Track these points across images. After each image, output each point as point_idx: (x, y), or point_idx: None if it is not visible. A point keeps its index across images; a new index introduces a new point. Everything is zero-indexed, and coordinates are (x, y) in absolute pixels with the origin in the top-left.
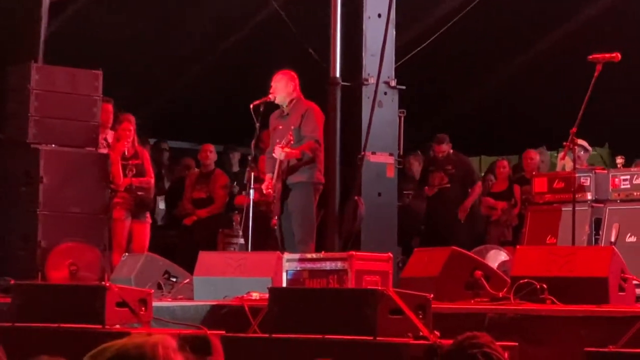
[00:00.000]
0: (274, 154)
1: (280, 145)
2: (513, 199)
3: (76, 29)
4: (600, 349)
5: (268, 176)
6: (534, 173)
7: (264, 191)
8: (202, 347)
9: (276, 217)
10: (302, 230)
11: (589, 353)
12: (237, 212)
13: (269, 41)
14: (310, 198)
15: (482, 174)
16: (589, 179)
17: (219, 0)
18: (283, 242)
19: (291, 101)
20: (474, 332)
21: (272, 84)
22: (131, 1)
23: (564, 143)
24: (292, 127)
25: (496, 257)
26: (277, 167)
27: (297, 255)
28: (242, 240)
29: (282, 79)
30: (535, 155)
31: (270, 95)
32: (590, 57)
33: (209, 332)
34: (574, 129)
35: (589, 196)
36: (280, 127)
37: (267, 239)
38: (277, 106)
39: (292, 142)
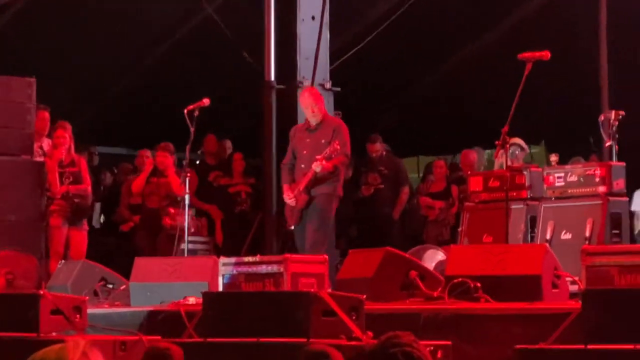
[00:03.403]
0: (313, 166)
1: (319, 158)
2: (451, 198)
3: (9, 37)
4: (530, 346)
5: (286, 186)
6: (469, 172)
7: (286, 200)
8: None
9: (292, 226)
10: (317, 234)
11: (519, 350)
12: None
13: (204, 45)
14: (331, 207)
15: (421, 174)
16: (523, 177)
17: (153, 6)
18: (297, 251)
19: (321, 117)
20: (397, 331)
21: (306, 101)
22: (64, 8)
23: (496, 142)
24: (323, 141)
25: (433, 257)
26: (307, 178)
27: (233, 259)
28: (182, 245)
29: (314, 96)
30: (472, 155)
31: (204, 101)
32: (520, 55)
33: (144, 337)
34: (506, 128)
35: (524, 194)
36: (308, 140)
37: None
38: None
39: (332, 156)
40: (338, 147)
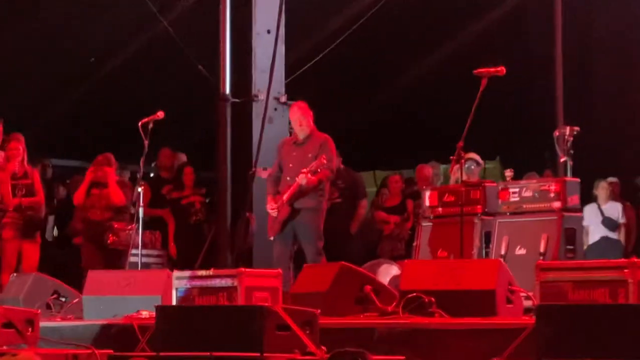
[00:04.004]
0: (297, 179)
1: (305, 171)
2: (406, 212)
3: None
4: None
5: (270, 197)
6: (424, 187)
7: (269, 211)
8: None
9: (272, 237)
10: (315, 249)
11: None
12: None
13: (159, 58)
14: (320, 222)
15: (377, 188)
16: (478, 192)
17: (107, 17)
18: (279, 260)
19: (309, 131)
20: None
21: (295, 115)
22: (18, 19)
23: (451, 157)
24: (310, 155)
25: (388, 272)
26: (291, 191)
27: (186, 273)
28: (133, 258)
29: (302, 110)
30: (428, 169)
31: (159, 114)
32: (476, 71)
33: (97, 351)
34: (461, 143)
35: (479, 209)
36: (295, 153)
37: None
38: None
39: (318, 170)
40: (325, 161)
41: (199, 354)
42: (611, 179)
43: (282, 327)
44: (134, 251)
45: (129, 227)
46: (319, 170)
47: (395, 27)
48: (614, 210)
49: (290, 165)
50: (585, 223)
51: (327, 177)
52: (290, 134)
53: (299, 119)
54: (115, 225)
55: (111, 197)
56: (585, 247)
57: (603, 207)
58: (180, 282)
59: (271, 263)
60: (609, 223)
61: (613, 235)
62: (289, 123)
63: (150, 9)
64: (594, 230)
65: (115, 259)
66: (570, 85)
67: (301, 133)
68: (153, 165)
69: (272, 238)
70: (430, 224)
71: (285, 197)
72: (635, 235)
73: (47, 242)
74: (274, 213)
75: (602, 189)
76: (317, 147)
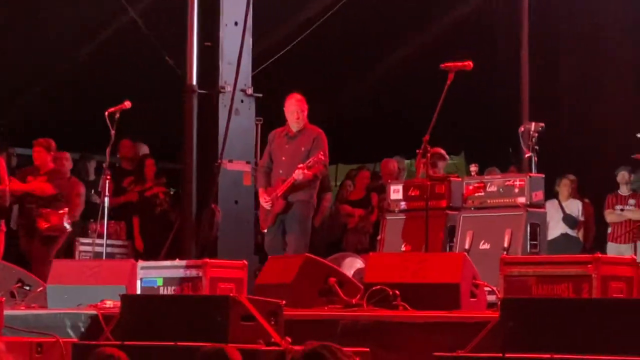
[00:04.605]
0: (294, 175)
1: (302, 167)
2: (370, 206)
3: None
4: (448, 354)
5: (262, 190)
6: (389, 181)
7: (262, 203)
8: None
9: (265, 229)
10: (299, 241)
11: (437, 358)
12: (92, 220)
13: (126, 48)
14: (309, 214)
15: (339, 182)
16: (444, 186)
17: (75, 7)
18: (272, 253)
19: (303, 125)
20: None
21: (293, 107)
22: None
23: (417, 151)
24: (302, 149)
25: (352, 265)
26: (286, 185)
27: (151, 263)
28: (98, 248)
29: (301, 103)
30: (393, 163)
31: (125, 103)
32: (443, 65)
33: (61, 339)
34: (427, 137)
35: (444, 204)
36: (287, 146)
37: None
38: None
39: (313, 165)
40: (322, 158)
41: (163, 344)
42: (570, 176)
43: (247, 318)
44: (98, 241)
45: (60, 211)
46: (314, 165)
47: (362, 21)
48: (575, 207)
49: (283, 158)
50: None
51: (321, 172)
52: (257, 126)
53: (296, 111)
54: (43, 211)
55: (41, 186)
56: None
57: (564, 203)
58: (145, 272)
59: (235, 254)
60: (569, 220)
61: (572, 232)
62: (255, 115)
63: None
64: (554, 226)
65: (44, 248)
66: (536, 82)
67: (295, 125)
68: (118, 156)
69: (265, 231)
70: (395, 217)
71: (279, 191)
72: (594, 233)
73: (11, 231)
74: (267, 206)
75: (564, 185)
76: (311, 141)
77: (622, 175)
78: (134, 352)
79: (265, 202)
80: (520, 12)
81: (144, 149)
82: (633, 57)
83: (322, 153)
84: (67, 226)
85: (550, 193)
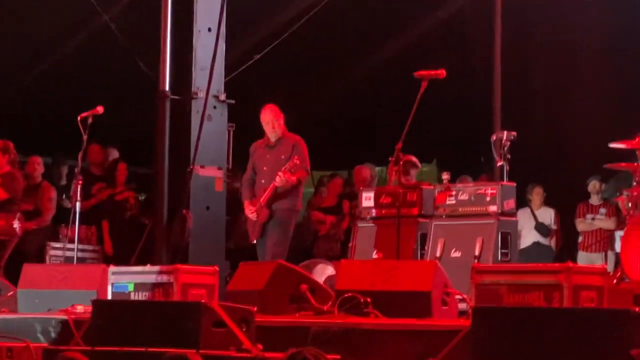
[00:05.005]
0: (276, 182)
1: (283, 171)
2: (342, 213)
3: None
4: None
5: (247, 202)
6: (361, 188)
7: (248, 215)
8: None
9: (254, 240)
10: (278, 248)
11: None
12: (63, 225)
13: (99, 53)
14: (291, 221)
15: (310, 189)
16: (415, 194)
17: (48, 11)
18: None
19: (281, 133)
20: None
21: (267, 117)
22: None
23: (390, 158)
24: (283, 157)
25: (323, 271)
26: (268, 193)
27: (122, 268)
28: (69, 253)
29: (275, 112)
30: (365, 170)
31: (98, 108)
32: (416, 73)
33: (31, 344)
34: (399, 145)
35: (416, 211)
36: (268, 156)
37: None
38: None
39: (293, 170)
40: (298, 162)
41: (134, 350)
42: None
43: (218, 324)
44: (69, 246)
45: (11, 215)
46: (293, 170)
47: (335, 28)
48: (547, 215)
49: (265, 168)
50: (518, 227)
51: (304, 177)
52: (228, 132)
53: (271, 121)
54: None
55: None
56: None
57: (536, 212)
58: (116, 277)
59: (207, 260)
60: (541, 228)
61: (545, 241)
62: (228, 121)
63: (92, 4)
64: (526, 235)
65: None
66: (508, 90)
67: (273, 135)
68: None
69: (254, 242)
70: (367, 225)
71: (263, 200)
72: (561, 241)
73: None
74: (253, 217)
75: (536, 194)
76: (290, 149)
77: (593, 185)
78: (105, 357)
79: (250, 213)
80: (493, 21)
81: (114, 154)
82: (605, 67)
83: (297, 158)
84: (17, 230)
85: (522, 202)
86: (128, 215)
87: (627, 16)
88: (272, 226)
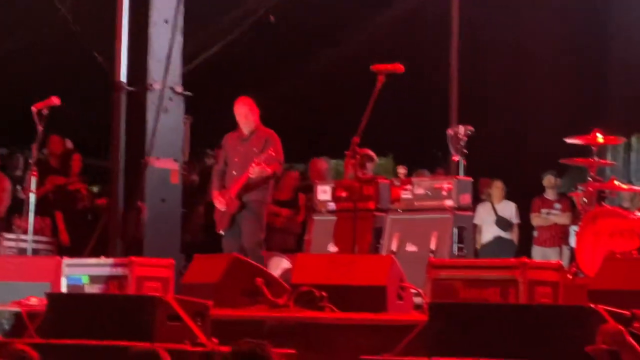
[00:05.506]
0: (250, 172)
1: (257, 162)
2: (297, 206)
3: None
4: (375, 357)
5: (216, 192)
6: (317, 181)
7: (217, 205)
8: None
9: (222, 230)
10: (254, 238)
11: None
12: (17, 216)
13: (55, 44)
14: (264, 212)
15: None
16: (372, 188)
17: (3, 2)
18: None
19: (254, 126)
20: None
21: (242, 109)
22: None
23: (346, 152)
24: (255, 150)
25: (279, 265)
26: (239, 184)
27: (77, 260)
28: (22, 244)
29: (250, 105)
30: (321, 164)
31: (53, 99)
32: (373, 67)
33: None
34: (356, 138)
35: (372, 205)
36: (240, 148)
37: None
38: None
39: (268, 161)
40: (273, 153)
41: (89, 343)
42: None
43: (173, 318)
44: (23, 237)
45: None
46: (269, 162)
47: (293, 21)
48: (508, 209)
49: (236, 159)
50: (478, 222)
51: (277, 170)
52: (184, 124)
53: (245, 114)
54: None
55: None
56: (478, 246)
57: (497, 206)
58: (70, 269)
59: (162, 252)
60: (502, 223)
61: (506, 235)
62: (185, 113)
63: None
64: (487, 229)
65: None
66: (465, 85)
67: (246, 128)
68: (44, 151)
69: (221, 232)
70: (322, 218)
71: (233, 191)
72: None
73: None
74: (222, 207)
75: (496, 188)
76: (263, 142)
77: (549, 179)
78: (59, 350)
79: (219, 204)
80: (450, 16)
81: (68, 144)
82: (561, 63)
83: (272, 149)
84: None
85: (477, 197)
86: (80, 206)
87: (583, 13)
88: (245, 217)
